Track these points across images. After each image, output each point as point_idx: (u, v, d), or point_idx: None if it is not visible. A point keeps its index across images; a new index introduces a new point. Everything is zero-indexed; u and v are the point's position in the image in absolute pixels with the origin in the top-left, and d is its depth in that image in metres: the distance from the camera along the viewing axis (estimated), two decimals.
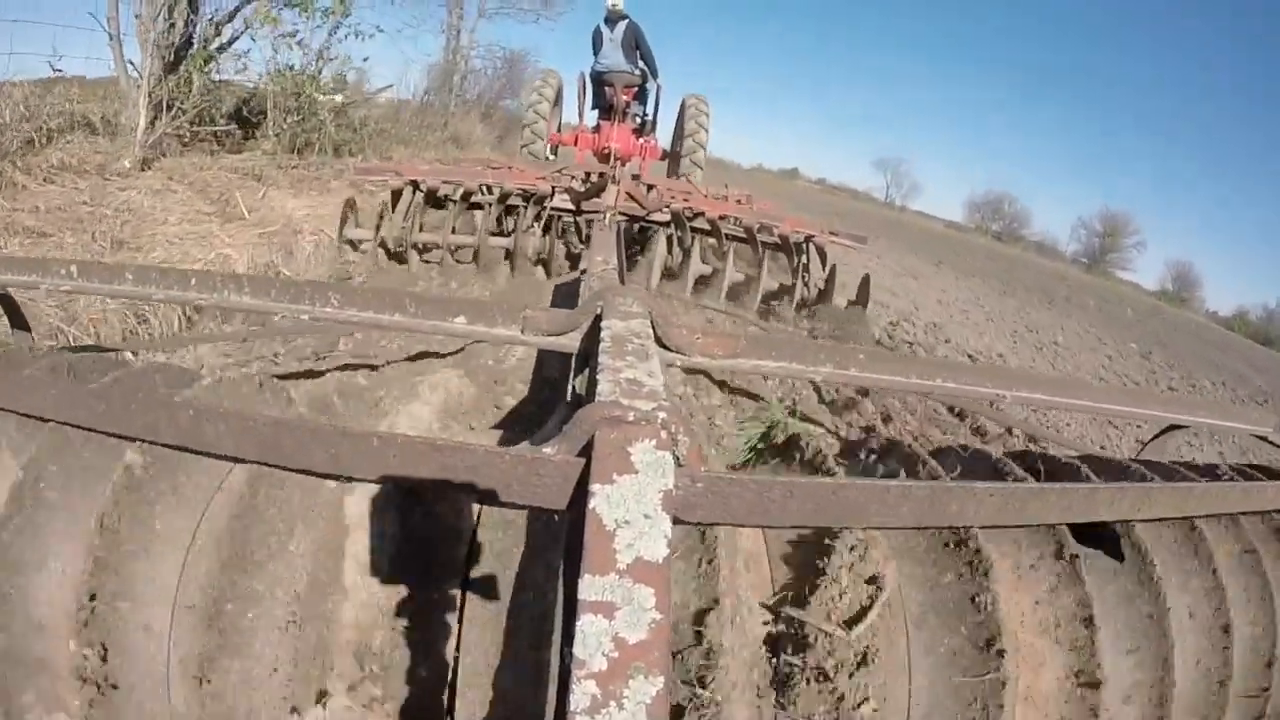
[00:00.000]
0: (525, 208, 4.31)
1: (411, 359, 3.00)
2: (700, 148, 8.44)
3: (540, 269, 4.18)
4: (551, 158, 8.26)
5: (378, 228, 4.12)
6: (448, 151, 10.65)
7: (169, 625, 0.82)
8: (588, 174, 4.67)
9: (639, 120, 8.64)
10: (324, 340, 3.06)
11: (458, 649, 0.87)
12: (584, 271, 2.83)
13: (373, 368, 2.85)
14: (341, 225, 4.24)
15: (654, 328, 1.27)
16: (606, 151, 7.66)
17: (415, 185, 4.48)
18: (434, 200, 4.54)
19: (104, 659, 0.79)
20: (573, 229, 4.71)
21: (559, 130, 8.91)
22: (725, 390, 3.09)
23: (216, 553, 0.84)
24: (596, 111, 8.69)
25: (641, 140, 8.52)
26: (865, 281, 4.55)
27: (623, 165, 5.14)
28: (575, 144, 8.52)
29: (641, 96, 8.55)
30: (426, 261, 4.20)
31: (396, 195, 4.51)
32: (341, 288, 1.45)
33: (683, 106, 8.77)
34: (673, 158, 8.91)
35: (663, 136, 9.20)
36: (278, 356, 2.92)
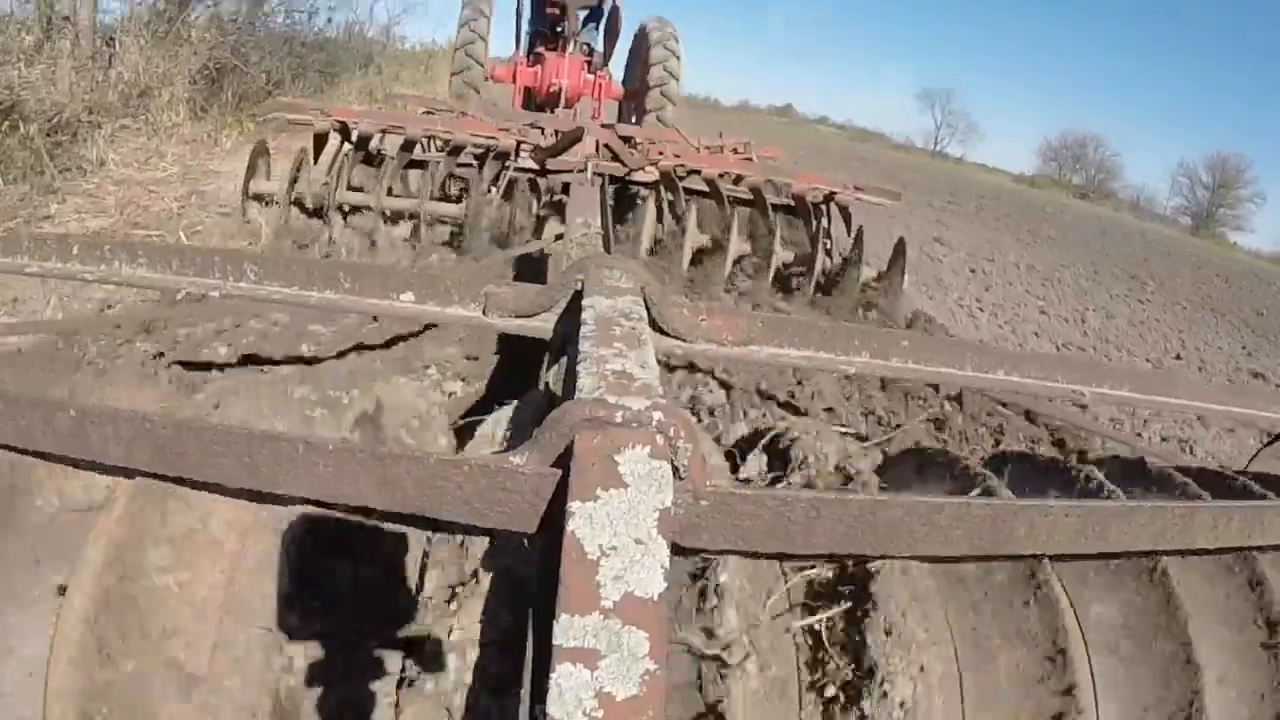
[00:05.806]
0: (483, 166, 4.23)
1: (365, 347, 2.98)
2: (672, 77, 8.07)
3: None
4: (478, 95, 8.04)
5: (293, 180, 4.04)
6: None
7: (41, 703, 0.80)
8: (558, 131, 4.60)
9: (589, 50, 8.37)
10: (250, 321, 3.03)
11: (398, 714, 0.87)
12: (559, 238, 2.80)
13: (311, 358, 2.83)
14: (248, 179, 4.15)
15: (648, 307, 1.26)
16: (554, 89, 7.36)
17: (344, 131, 4.28)
18: (366, 152, 4.42)
19: None
20: (528, 189, 4.62)
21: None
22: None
23: (94, 604, 0.82)
24: (529, 39, 8.34)
25: (594, 76, 8.25)
26: (899, 248, 4.16)
27: (568, 107, 4.97)
28: (513, 80, 8.19)
29: (594, 20, 8.26)
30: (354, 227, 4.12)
31: (320, 141, 4.34)
32: (260, 258, 1.44)
33: (641, 33, 8.42)
34: (631, 96, 8.53)
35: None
36: (180, 341, 2.89)
